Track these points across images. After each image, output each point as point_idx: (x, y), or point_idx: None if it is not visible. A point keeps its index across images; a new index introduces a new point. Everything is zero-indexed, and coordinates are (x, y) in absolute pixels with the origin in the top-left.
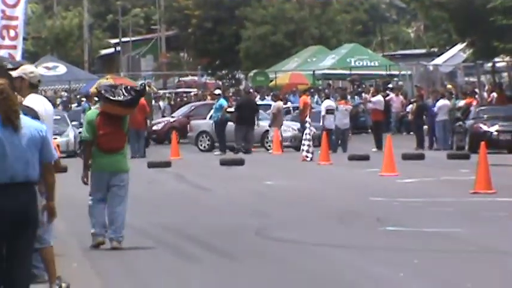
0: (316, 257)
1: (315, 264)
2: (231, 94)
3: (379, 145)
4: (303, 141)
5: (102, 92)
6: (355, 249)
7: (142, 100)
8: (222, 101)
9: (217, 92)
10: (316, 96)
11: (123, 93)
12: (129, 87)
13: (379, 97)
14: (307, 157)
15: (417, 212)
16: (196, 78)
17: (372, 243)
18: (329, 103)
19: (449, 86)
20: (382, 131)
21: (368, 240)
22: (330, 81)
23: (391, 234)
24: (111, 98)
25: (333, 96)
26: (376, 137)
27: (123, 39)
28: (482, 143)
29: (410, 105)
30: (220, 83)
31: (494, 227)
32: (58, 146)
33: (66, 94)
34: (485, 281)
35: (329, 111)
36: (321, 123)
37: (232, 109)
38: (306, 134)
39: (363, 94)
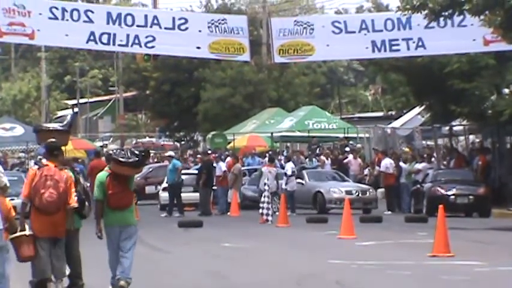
0: None
1: None
2: (188, 156)
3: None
4: (261, 204)
5: (112, 154)
6: None
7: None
8: (176, 162)
9: (169, 153)
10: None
11: (129, 155)
12: (134, 150)
13: (389, 160)
14: (267, 220)
15: (375, 275)
16: (154, 139)
17: None
18: (291, 165)
19: (406, 149)
20: (394, 193)
21: None
22: (288, 144)
23: None
24: (120, 159)
25: (294, 159)
26: (389, 199)
27: (81, 101)
28: (441, 206)
29: (368, 168)
30: (178, 144)
31: None
32: (14, 207)
33: (24, 155)
34: None
35: (293, 173)
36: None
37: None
38: (264, 196)
39: (322, 156)
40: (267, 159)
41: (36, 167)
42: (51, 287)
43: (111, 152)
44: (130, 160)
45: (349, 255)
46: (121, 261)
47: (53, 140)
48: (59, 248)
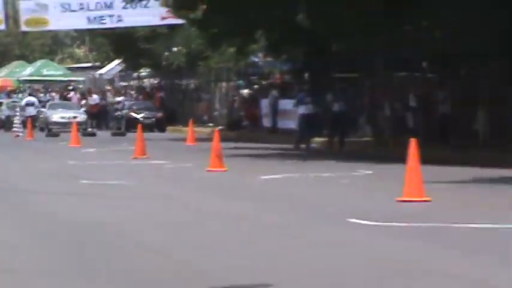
0: (44, 202)
1: (51, 208)
2: None
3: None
4: (14, 124)
5: None
6: (64, 195)
7: None
8: None
9: None
10: (20, 94)
11: None
12: None
13: (96, 95)
14: (18, 135)
15: (100, 170)
16: None
17: (70, 190)
18: (29, 99)
19: (109, 88)
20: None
21: (69, 189)
22: (30, 84)
23: (85, 186)
24: None
25: (35, 94)
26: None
27: None
28: (140, 125)
29: (84, 101)
30: None
31: (150, 179)
32: None
33: None
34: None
35: (28, 104)
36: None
37: None
38: (16, 118)
39: (52, 93)
40: None
41: None
42: None
43: None
44: None
45: (80, 158)
46: None
47: None
48: None
